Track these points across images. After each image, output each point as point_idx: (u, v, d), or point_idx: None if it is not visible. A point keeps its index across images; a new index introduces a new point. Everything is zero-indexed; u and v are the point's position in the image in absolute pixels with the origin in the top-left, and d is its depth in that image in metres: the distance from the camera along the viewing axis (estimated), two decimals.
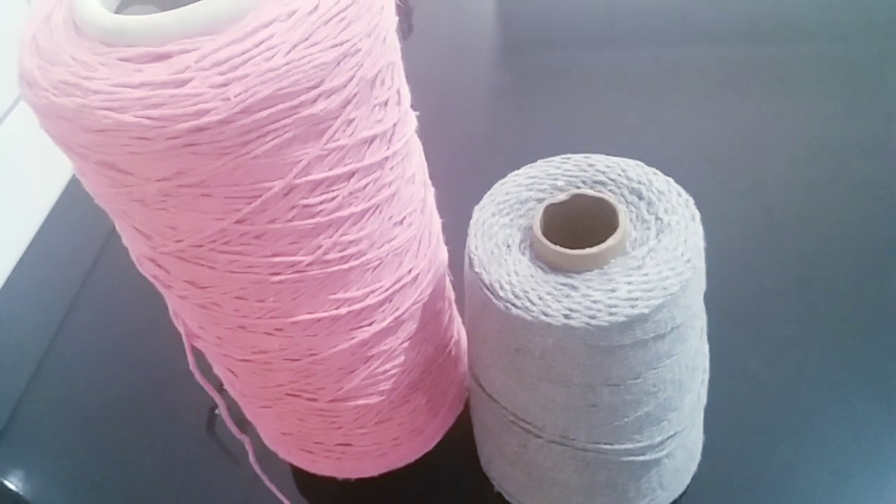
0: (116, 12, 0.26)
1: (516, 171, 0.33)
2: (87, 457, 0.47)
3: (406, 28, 0.76)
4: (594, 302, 0.28)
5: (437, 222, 0.34)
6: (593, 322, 0.28)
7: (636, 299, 0.28)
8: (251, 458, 0.38)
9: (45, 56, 0.24)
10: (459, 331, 0.39)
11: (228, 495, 0.43)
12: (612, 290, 0.28)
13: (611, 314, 0.28)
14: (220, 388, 0.35)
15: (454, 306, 0.38)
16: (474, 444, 0.40)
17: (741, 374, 0.42)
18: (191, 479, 0.44)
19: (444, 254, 0.35)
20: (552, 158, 0.34)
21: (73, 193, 0.65)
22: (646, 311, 0.28)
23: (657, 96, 0.64)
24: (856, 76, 0.61)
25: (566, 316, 0.28)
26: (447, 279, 0.36)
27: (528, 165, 0.34)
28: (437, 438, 0.39)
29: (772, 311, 0.45)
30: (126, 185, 0.24)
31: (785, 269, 0.48)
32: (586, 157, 0.33)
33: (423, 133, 0.32)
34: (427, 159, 0.33)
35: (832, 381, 0.42)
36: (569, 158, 0.33)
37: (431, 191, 0.33)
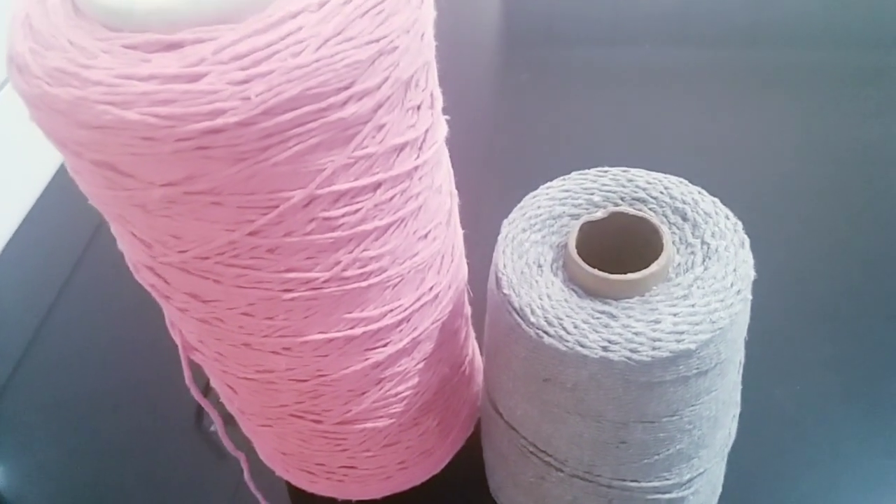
0: None
1: (549, 184, 0.31)
2: (69, 450, 0.44)
3: None
4: (636, 334, 0.25)
5: (460, 235, 0.32)
6: (635, 356, 0.25)
7: (682, 333, 0.25)
8: (246, 475, 0.35)
9: (40, 39, 0.21)
10: (474, 348, 0.37)
11: (214, 491, 0.41)
12: (656, 322, 0.26)
13: (654, 348, 0.25)
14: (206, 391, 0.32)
15: (470, 322, 0.36)
16: (483, 467, 0.37)
17: (765, 403, 0.40)
18: (176, 474, 0.42)
19: (464, 269, 0.33)
20: (587, 171, 0.31)
21: (64, 178, 0.61)
22: (692, 346, 0.25)
23: (675, 96, 0.61)
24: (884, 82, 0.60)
25: (604, 348, 0.25)
26: (466, 296, 0.34)
27: (562, 178, 0.31)
28: (446, 461, 0.37)
29: (800, 338, 0.43)
30: (126, 188, 0.21)
31: (814, 294, 0.45)
32: (625, 171, 0.31)
33: None
34: None
35: (860, 412, 0.40)
36: (606, 172, 0.31)
37: (457, 201, 0.30)
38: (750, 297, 0.27)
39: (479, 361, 0.38)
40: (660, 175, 0.30)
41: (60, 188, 0.61)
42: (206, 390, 0.33)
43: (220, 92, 0.19)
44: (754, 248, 0.28)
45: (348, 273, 0.25)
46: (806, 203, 0.51)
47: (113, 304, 0.52)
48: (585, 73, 0.66)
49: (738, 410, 0.33)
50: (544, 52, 0.69)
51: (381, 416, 0.31)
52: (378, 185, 0.23)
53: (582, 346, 0.26)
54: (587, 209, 0.30)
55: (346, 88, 0.20)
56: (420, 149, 0.25)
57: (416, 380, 0.31)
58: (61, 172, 0.62)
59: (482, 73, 0.68)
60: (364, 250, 0.25)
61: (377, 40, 0.20)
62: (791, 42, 0.65)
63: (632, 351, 0.25)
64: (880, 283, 0.45)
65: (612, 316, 0.26)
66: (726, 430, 0.32)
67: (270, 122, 0.19)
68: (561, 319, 0.26)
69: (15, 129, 0.53)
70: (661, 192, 0.30)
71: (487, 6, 0.77)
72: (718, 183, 0.48)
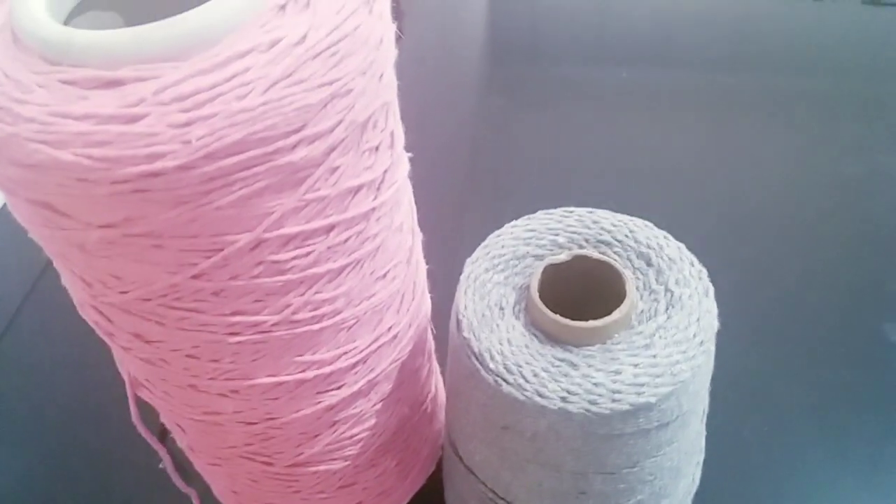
0: (68, 19, 0.22)
1: (514, 223, 0.30)
2: (32, 464, 0.43)
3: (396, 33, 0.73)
4: (596, 385, 0.25)
5: (422, 271, 0.31)
6: (594, 409, 0.24)
7: (642, 385, 0.25)
8: None
9: None
10: (437, 385, 0.36)
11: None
12: (617, 373, 0.25)
13: (614, 401, 0.24)
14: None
15: (434, 358, 0.35)
16: None
17: (733, 445, 0.40)
18: (144, 486, 0.41)
19: (427, 305, 0.32)
20: (553, 211, 0.30)
21: None
22: (652, 399, 0.25)
23: (656, 122, 0.61)
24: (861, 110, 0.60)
25: (563, 399, 0.25)
26: (429, 331, 0.33)
27: (527, 217, 0.30)
28: (406, 501, 0.36)
29: (769, 379, 0.43)
30: (63, 227, 0.20)
31: (784, 335, 0.45)
32: (591, 213, 0.30)
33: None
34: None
35: (829, 454, 0.39)
36: (571, 212, 0.30)
37: (419, 237, 0.30)
38: (713, 348, 0.26)
39: (442, 397, 0.37)
40: (625, 217, 0.30)
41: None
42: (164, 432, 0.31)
43: (158, 135, 0.18)
44: (725, 287, 0.27)
45: (299, 316, 0.24)
46: (778, 240, 0.51)
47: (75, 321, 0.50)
48: (564, 96, 0.66)
49: (702, 457, 0.32)
50: (522, 73, 0.69)
51: (336, 459, 0.30)
52: (331, 228, 0.23)
53: (540, 395, 0.25)
54: (551, 250, 0.29)
55: (295, 132, 0.19)
56: (378, 190, 0.24)
57: (372, 421, 0.30)
58: None
59: (458, 97, 0.68)
60: (316, 293, 0.24)
61: (330, 83, 0.20)
62: (776, 69, 0.66)
63: (591, 403, 0.25)
64: (852, 325, 0.45)
65: (573, 364, 0.25)
66: (689, 478, 0.31)
67: (212, 167, 0.19)
68: (520, 367, 0.26)
69: None
70: (627, 236, 0.29)
71: (469, 26, 0.77)
72: (689, 213, 0.48)
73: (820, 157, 0.57)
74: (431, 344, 0.35)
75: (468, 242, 0.31)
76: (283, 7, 0.20)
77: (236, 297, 0.22)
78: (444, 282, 0.33)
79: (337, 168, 0.21)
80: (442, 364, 0.36)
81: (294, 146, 0.20)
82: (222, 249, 0.21)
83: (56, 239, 0.21)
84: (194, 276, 0.21)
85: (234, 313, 0.23)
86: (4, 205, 0.57)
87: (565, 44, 0.72)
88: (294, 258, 0.22)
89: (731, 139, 0.59)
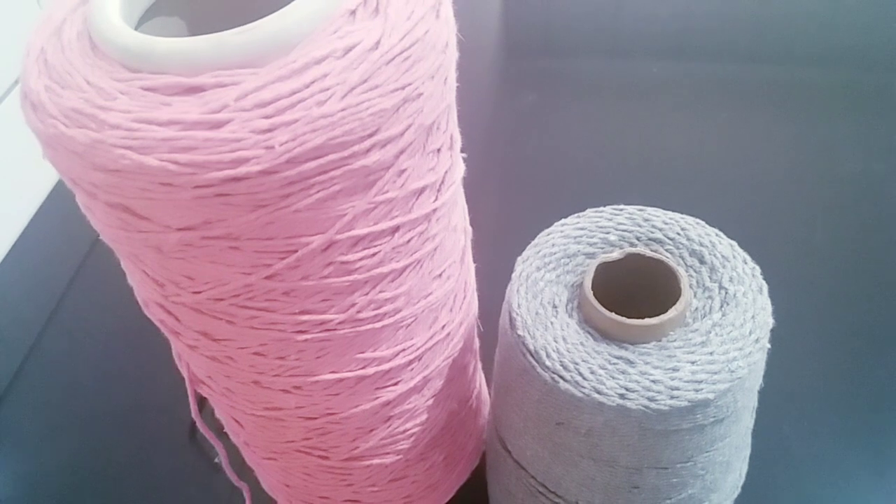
0: (138, 25, 0.23)
1: (563, 221, 0.31)
2: (63, 465, 0.44)
3: None
4: (654, 382, 0.25)
5: (472, 270, 0.31)
6: (652, 405, 0.25)
7: (700, 382, 0.25)
8: None
9: (55, 76, 0.20)
10: (481, 381, 0.37)
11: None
12: (674, 370, 0.25)
13: (672, 397, 0.25)
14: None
15: (478, 355, 0.35)
16: (487, 499, 0.37)
17: (774, 441, 0.40)
18: (171, 489, 0.42)
19: (475, 303, 0.32)
20: (603, 209, 0.31)
21: (63, 188, 0.61)
22: (711, 396, 0.25)
23: (689, 116, 0.61)
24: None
25: (622, 396, 0.25)
26: (475, 329, 0.33)
27: (576, 215, 0.31)
28: (451, 493, 0.37)
29: (810, 375, 0.43)
30: (141, 230, 0.21)
31: (824, 332, 0.45)
32: (641, 210, 0.30)
33: None
34: None
35: (869, 452, 0.39)
36: (622, 210, 0.30)
37: (470, 237, 0.30)
38: (768, 345, 0.27)
39: (485, 394, 0.38)
40: (676, 215, 0.30)
41: (60, 198, 0.61)
42: (200, 406, 0.32)
43: (243, 140, 0.18)
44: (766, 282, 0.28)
45: (363, 315, 0.24)
46: (817, 236, 0.50)
47: (113, 313, 0.51)
48: (594, 89, 0.66)
49: (748, 451, 0.32)
50: (548, 68, 0.69)
51: (389, 453, 0.30)
52: (396, 229, 0.23)
53: (598, 392, 0.25)
54: (602, 248, 0.29)
55: (370, 136, 0.20)
56: (438, 191, 0.24)
57: (424, 416, 0.30)
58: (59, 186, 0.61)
59: (486, 93, 0.68)
60: (380, 292, 0.24)
61: (402, 88, 0.20)
62: (800, 59, 0.65)
63: (650, 399, 0.25)
64: (893, 321, 0.45)
65: (630, 362, 0.26)
66: (737, 473, 0.32)
67: (293, 171, 0.19)
68: (577, 364, 0.26)
69: (16, 136, 0.52)
70: (678, 234, 0.29)
71: (486, 25, 0.77)
72: (721, 205, 0.48)
73: (854, 150, 0.56)
74: (477, 342, 0.35)
75: (509, 241, 0.31)
76: (353, 12, 0.21)
77: (306, 296, 0.23)
78: (486, 281, 0.34)
79: (404, 170, 0.22)
80: (484, 362, 0.36)
81: (368, 150, 0.20)
82: (296, 251, 0.21)
83: (132, 241, 0.22)
84: (268, 277, 0.22)
85: (302, 312, 0.23)
86: (42, 206, 0.58)
87: (587, 36, 0.72)
88: (361, 258, 0.23)
89: (756, 132, 0.59)
